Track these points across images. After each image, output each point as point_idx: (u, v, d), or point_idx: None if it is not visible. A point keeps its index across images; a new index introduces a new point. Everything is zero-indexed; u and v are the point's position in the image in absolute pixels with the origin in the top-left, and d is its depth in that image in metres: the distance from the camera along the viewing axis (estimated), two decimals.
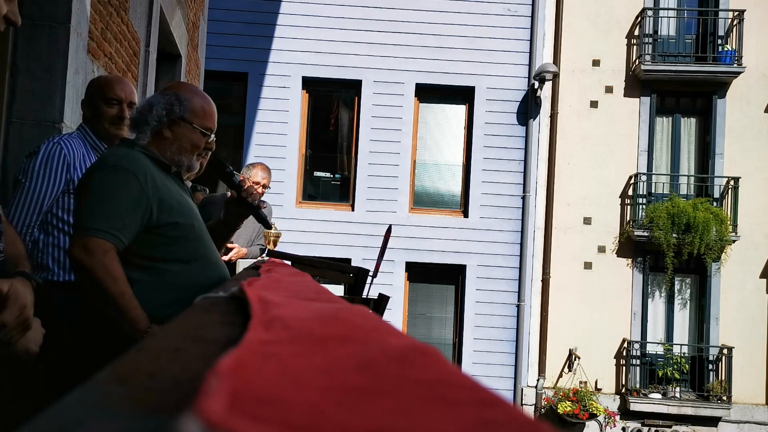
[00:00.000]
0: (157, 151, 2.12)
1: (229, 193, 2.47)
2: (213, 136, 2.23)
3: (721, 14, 12.10)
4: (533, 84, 11.64)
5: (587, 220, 11.87)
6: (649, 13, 12.04)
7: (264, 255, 4.10)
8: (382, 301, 2.62)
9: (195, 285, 1.97)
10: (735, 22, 11.96)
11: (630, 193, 11.93)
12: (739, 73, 11.72)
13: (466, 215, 11.81)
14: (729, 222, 11.56)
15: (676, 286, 12.02)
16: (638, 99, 12.02)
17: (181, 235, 2.03)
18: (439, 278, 11.91)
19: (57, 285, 2.59)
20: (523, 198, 11.71)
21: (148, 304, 1.94)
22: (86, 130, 2.79)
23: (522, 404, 11.37)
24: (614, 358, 11.75)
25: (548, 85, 11.78)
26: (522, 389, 11.52)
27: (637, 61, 11.94)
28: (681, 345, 11.78)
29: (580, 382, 11.51)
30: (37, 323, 1.73)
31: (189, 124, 2.13)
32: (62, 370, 2.02)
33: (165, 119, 2.11)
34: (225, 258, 4.29)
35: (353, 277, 2.85)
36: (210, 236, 2.21)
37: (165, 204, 2.00)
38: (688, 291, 12.10)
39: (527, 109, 11.81)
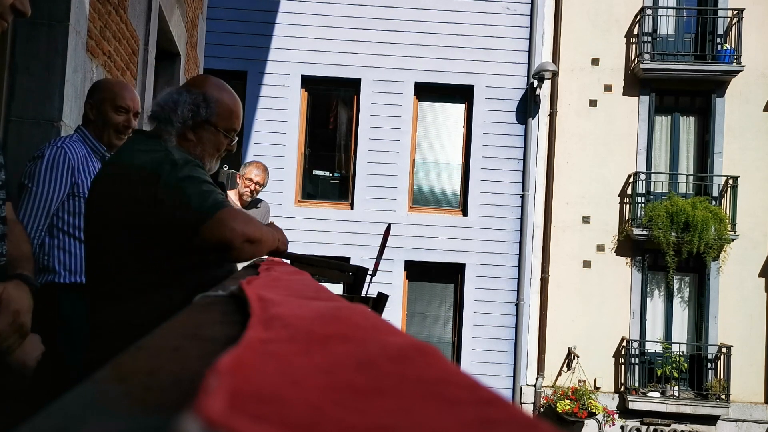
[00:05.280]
0: None
1: None
2: (236, 138, 2.09)
3: (720, 13, 12.10)
4: (532, 83, 11.64)
5: (586, 219, 11.87)
6: (648, 11, 12.04)
7: None
8: (381, 300, 2.62)
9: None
10: (734, 21, 11.96)
11: (629, 191, 11.94)
12: (738, 71, 11.73)
13: (465, 214, 11.81)
14: (728, 221, 11.57)
15: (675, 285, 12.02)
16: (637, 98, 12.03)
17: None
18: (438, 277, 11.91)
19: (63, 287, 2.61)
20: (522, 197, 11.71)
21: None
22: (85, 132, 2.80)
23: (521, 403, 11.38)
24: (613, 356, 11.76)
25: (547, 84, 11.78)
26: (521, 388, 11.53)
27: (636, 59, 11.94)
28: (680, 344, 11.80)
29: (579, 381, 11.52)
30: (36, 339, 1.69)
31: (213, 127, 1.98)
32: (67, 371, 2.00)
33: (190, 122, 1.94)
34: None
35: (352, 275, 2.84)
36: None
37: None
38: (687, 290, 12.10)
39: (526, 108, 11.81)
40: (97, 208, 1.88)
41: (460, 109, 12.11)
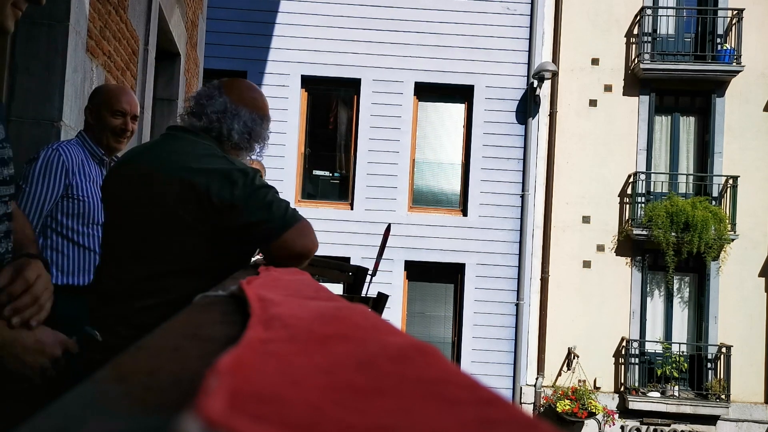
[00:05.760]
0: None
1: None
2: None
3: (720, 13, 12.10)
4: (532, 83, 11.64)
5: (586, 219, 11.88)
6: (648, 11, 12.04)
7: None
8: (381, 300, 2.62)
9: None
10: (734, 21, 11.96)
11: (629, 191, 11.94)
12: (738, 71, 11.73)
13: (465, 214, 11.81)
14: (728, 221, 11.57)
15: (675, 285, 12.03)
16: (637, 98, 12.03)
17: None
18: (438, 277, 11.91)
19: (56, 288, 2.61)
20: (522, 197, 11.71)
21: None
22: (85, 137, 2.85)
23: (521, 403, 11.38)
24: (613, 356, 11.76)
25: (547, 84, 11.78)
26: (521, 388, 11.53)
27: (636, 59, 11.94)
28: (680, 344, 11.80)
29: (579, 381, 11.52)
30: (54, 336, 1.66)
31: (263, 142, 2.12)
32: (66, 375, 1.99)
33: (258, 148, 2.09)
34: None
35: (352, 275, 2.85)
36: None
37: None
38: (687, 290, 12.10)
39: (526, 108, 11.81)
40: (126, 204, 1.82)
41: (460, 109, 12.11)
